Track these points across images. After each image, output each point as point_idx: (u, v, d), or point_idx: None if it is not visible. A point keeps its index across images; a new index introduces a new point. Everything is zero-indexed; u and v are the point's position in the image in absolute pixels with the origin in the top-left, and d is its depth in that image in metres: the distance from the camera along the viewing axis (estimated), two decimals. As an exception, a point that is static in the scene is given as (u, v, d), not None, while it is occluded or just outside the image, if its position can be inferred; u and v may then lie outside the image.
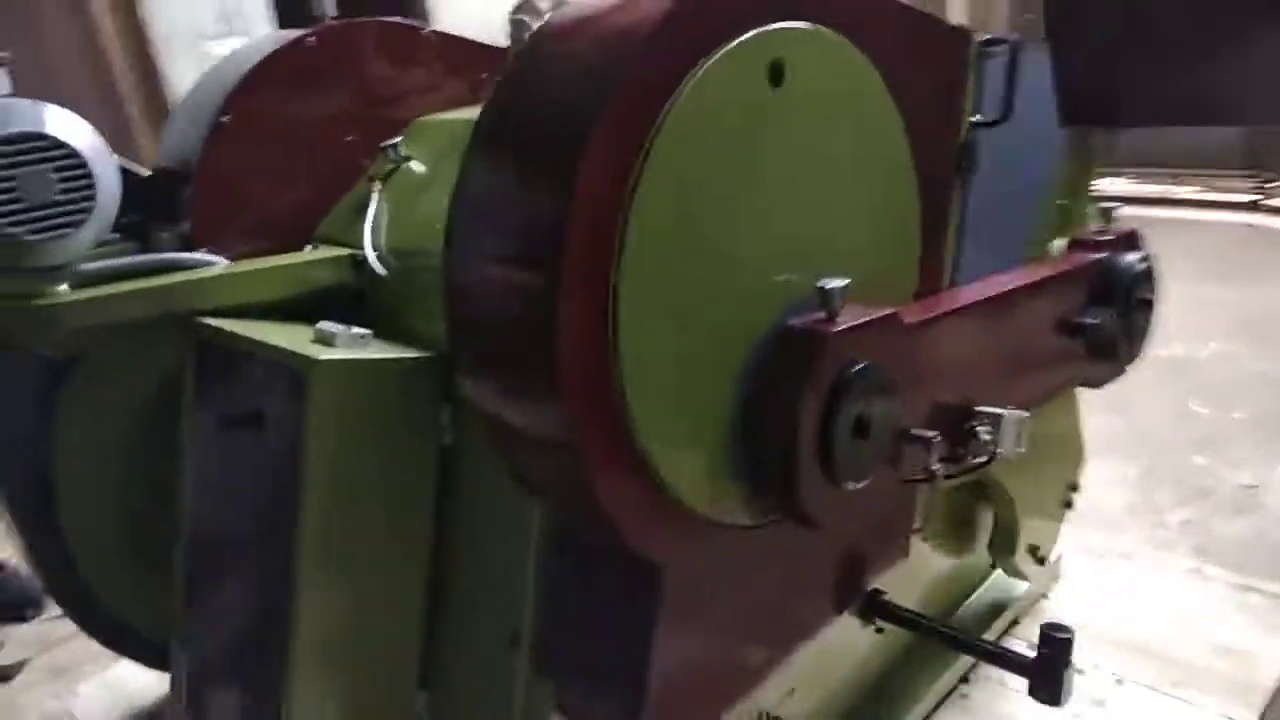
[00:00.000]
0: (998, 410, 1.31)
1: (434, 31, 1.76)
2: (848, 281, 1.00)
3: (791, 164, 1.03)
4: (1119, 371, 1.67)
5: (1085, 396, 3.47)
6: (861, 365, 1.02)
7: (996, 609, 1.97)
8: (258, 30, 4.59)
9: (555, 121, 0.90)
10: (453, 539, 1.31)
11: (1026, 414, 1.34)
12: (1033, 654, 1.48)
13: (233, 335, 1.28)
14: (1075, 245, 1.56)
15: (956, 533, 1.87)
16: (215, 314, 1.40)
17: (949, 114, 1.34)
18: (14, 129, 1.27)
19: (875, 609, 1.65)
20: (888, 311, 1.08)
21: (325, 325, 1.25)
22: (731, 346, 1.00)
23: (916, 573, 1.82)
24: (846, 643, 1.66)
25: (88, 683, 2.34)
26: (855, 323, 1.02)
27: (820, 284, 1.00)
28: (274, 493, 1.23)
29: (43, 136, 1.28)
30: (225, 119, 1.47)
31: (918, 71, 1.24)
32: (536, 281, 0.90)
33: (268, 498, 1.25)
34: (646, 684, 1.08)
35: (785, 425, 0.98)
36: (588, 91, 0.88)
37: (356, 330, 1.25)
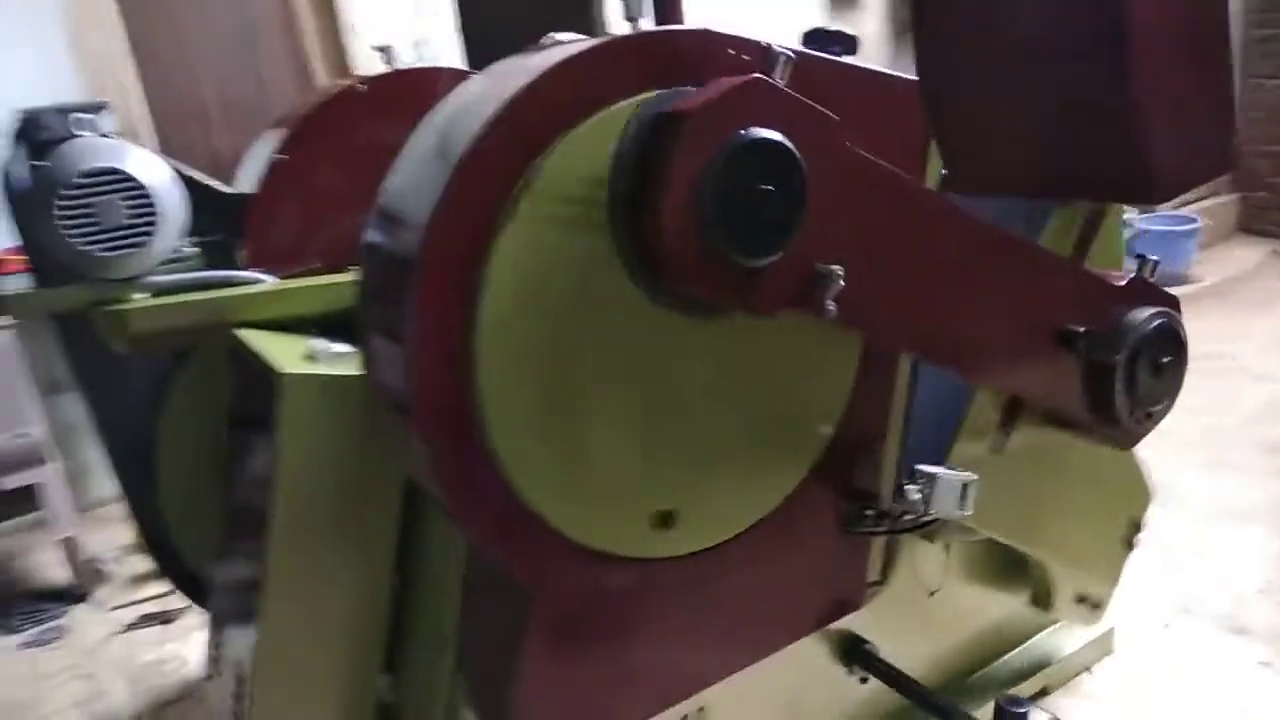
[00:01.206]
0: (932, 470, 1.29)
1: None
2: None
3: None
4: (1121, 431, 1.47)
5: (1246, 461, 3.16)
6: (776, 133, 0.99)
7: (1023, 674, 1.88)
8: (444, 58, 5.00)
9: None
10: (419, 538, 1.44)
11: (972, 476, 1.31)
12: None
13: (245, 345, 1.48)
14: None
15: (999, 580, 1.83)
16: (260, 326, 1.61)
17: (909, 168, 1.33)
18: (96, 164, 1.54)
19: (855, 657, 1.65)
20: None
21: (314, 342, 1.42)
22: None
23: (932, 627, 1.78)
24: (826, 689, 1.66)
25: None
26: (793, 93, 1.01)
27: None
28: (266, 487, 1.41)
29: (116, 171, 1.54)
30: (281, 156, 1.69)
31: (865, 125, 1.25)
32: (399, 318, 1.02)
33: (264, 489, 1.43)
34: (513, 708, 1.17)
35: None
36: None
37: (340, 348, 1.41)
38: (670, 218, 0.97)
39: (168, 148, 4.83)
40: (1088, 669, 1.97)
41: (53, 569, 3.77)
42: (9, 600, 3.62)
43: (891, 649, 1.67)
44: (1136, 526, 1.88)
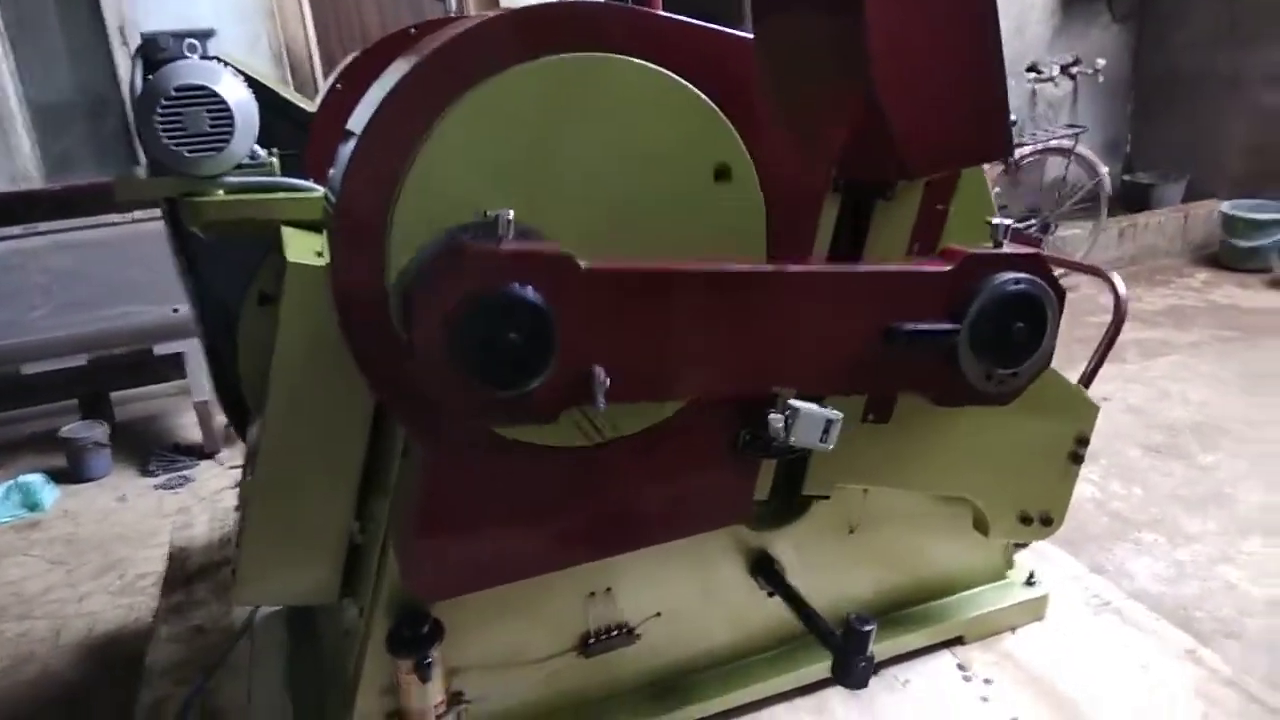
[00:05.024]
0: (798, 403, 1.47)
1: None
2: (511, 213, 1.24)
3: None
4: (990, 396, 1.58)
5: None
6: (506, 288, 1.22)
7: (940, 618, 2.03)
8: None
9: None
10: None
11: (837, 414, 1.48)
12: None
13: (280, 239, 1.81)
14: (942, 254, 1.52)
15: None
16: (304, 225, 1.94)
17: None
18: (189, 81, 1.90)
19: (763, 572, 1.86)
20: (555, 251, 1.25)
21: (327, 241, 1.73)
22: None
23: (850, 563, 1.96)
24: (734, 594, 1.87)
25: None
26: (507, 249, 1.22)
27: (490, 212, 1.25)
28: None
29: (203, 89, 1.89)
30: (337, 85, 2.01)
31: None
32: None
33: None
34: (417, 548, 1.45)
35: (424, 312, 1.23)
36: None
37: (345, 248, 1.72)
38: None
39: (331, 66, 5.35)
40: (1011, 629, 2.08)
41: (190, 429, 4.39)
42: (150, 450, 4.26)
43: (805, 575, 1.86)
44: (1083, 441, 1.93)
